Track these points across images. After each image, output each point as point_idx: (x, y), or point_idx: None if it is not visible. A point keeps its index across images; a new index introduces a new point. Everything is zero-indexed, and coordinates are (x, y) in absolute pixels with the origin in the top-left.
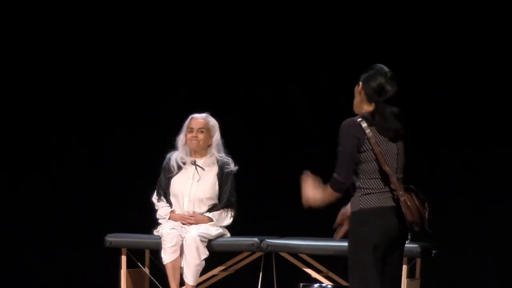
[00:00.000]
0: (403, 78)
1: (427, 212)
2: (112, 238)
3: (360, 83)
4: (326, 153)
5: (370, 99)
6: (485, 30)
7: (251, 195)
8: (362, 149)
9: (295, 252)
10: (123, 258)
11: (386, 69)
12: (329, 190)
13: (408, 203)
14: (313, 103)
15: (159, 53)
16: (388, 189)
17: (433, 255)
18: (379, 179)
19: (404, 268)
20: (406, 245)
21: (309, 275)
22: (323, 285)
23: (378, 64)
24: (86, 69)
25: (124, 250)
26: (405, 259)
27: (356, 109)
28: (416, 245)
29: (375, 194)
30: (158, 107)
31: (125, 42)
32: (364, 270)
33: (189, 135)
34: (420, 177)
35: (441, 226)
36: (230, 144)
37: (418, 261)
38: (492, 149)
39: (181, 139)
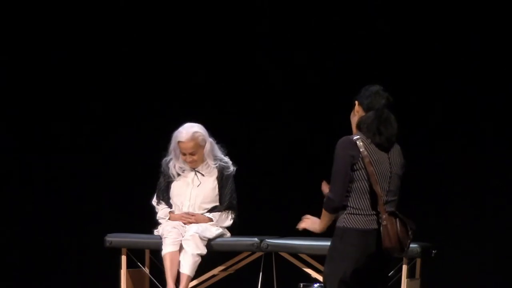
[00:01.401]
0: (403, 78)
1: (409, 241)
2: (112, 238)
3: (356, 102)
4: (326, 153)
5: (368, 109)
6: (485, 30)
7: (251, 195)
8: (355, 167)
9: (295, 252)
10: (123, 258)
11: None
12: (323, 212)
13: (389, 227)
14: (313, 103)
15: (158, 53)
16: (374, 212)
17: (433, 255)
18: (368, 200)
19: (404, 268)
20: None
21: (309, 275)
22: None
23: None
24: (87, 70)
25: (124, 250)
26: (405, 259)
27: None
28: (416, 245)
29: (360, 216)
30: (158, 106)
31: (124, 42)
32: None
33: (183, 157)
34: (421, 177)
35: (441, 226)
36: (230, 145)
37: (418, 261)
38: (492, 149)
39: (174, 148)
